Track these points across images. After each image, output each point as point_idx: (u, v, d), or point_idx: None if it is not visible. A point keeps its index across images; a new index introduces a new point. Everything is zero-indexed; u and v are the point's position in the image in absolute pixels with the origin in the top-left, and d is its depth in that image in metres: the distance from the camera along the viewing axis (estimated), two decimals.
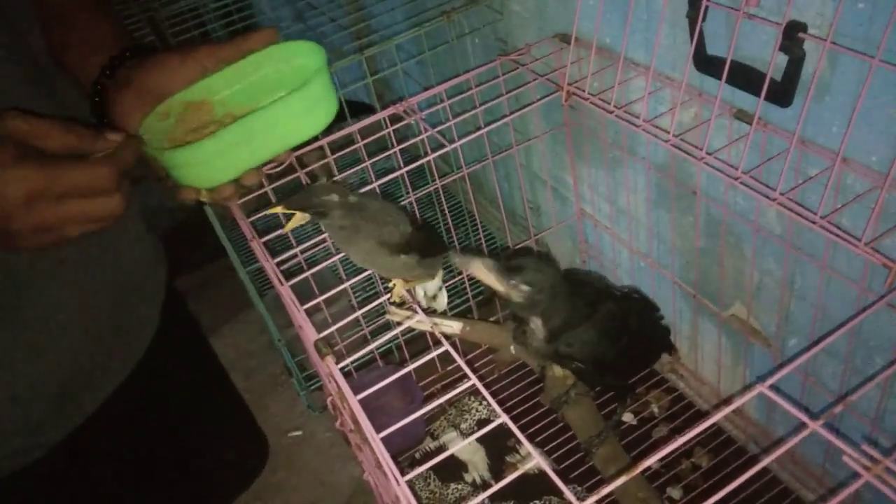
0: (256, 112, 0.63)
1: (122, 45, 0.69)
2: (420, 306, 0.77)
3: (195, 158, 0.63)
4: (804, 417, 0.53)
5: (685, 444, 0.56)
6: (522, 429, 1.18)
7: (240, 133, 0.63)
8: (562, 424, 1.12)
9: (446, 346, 0.65)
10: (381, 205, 0.80)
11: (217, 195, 0.67)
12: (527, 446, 0.57)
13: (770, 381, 0.56)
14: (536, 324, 0.84)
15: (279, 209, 0.70)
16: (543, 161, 1.26)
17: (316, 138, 0.84)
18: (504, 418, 0.59)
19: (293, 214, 0.73)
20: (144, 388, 0.86)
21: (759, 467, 0.52)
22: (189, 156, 0.63)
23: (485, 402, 1.21)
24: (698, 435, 0.57)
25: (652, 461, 0.56)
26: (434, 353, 0.67)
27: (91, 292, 0.76)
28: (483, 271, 0.77)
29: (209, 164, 0.64)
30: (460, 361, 0.63)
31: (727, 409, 0.57)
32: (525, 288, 0.79)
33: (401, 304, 0.95)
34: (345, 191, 0.77)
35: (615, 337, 0.87)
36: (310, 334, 0.69)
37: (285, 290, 0.76)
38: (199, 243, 2.18)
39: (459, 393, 0.63)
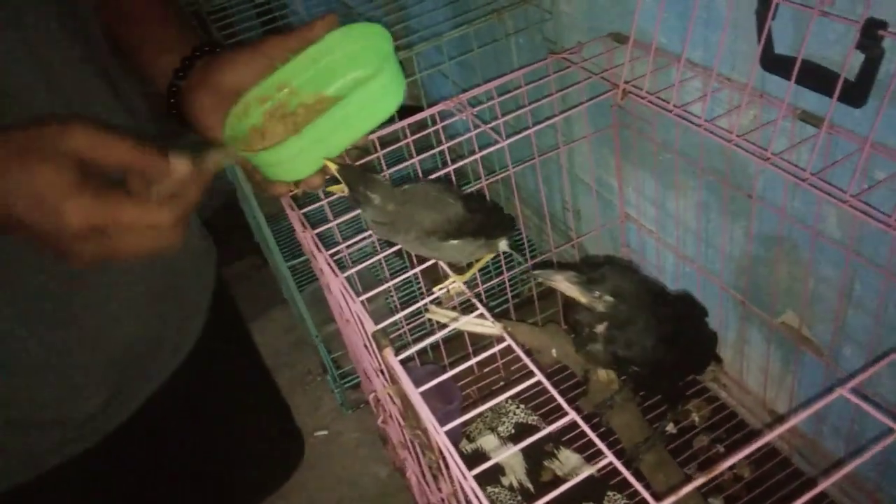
0: (337, 105, 0.65)
1: (191, 44, 0.70)
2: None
3: (283, 156, 0.65)
4: (891, 422, 0.51)
5: (741, 456, 0.54)
6: (561, 433, 1.17)
7: (324, 127, 0.65)
8: (603, 430, 1.10)
9: (509, 341, 0.64)
10: (430, 191, 0.79)
11: (306, 186, 0.70)
12: (605, 452, 0.55)
13: (852, 384, 0.54)
14: (600, 329, 0.83)
15: (333, 167, 0.70)
16: (589, 163, 1.25)
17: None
18: (573, 415, 0.58)
19: (335, 182, 0.74)
20: (193, 379, 0.85)
21: (818, 490, 0.50)
22: (277, 155, 0.65)
23: (522, 406, 1.19)
24: (758, 449, 0.55)
25: (720, 470, 0.54)
26: (497, 349, 0.65)
27: (143, 282, 0.76)
28: (566, 285, 0.78)
29: (297, 160, 0.66)
30: (525, 359, 0.62)
31: (806, 412, 0.54)
32: (609, 299, 0.80)
33: (440, 303, 0.94)
34: (391, 194, 0.76)
35: (672, 341, 0.85)
36: (367, 325, 0.68)
37: (339, 281, 0.75)
38: (223, 242, 2.19)
39: (521, 391, 0.62)
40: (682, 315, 0.90)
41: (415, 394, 0.60)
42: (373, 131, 0.70)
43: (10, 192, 0.49)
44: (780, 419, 1.08)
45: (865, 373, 0.55)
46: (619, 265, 0.84)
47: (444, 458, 0.61)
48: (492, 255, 0.90)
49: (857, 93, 0.69)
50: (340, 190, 0.75)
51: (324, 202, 0.91)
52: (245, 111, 0.70)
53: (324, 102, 0.73)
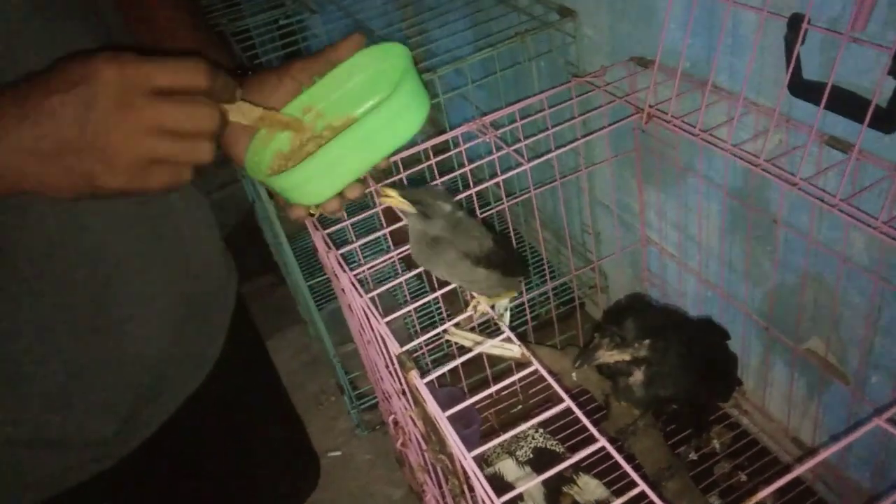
0: (350, 128, 0.63)
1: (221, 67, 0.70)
2: (495, 322, 0.76)
3: (298, 180, 0.64)
4: None
5: (771, 489, 0.53)
6: (581, 458, 1.16)
7: (337, 151, 0.63)
8: (623, 455, 1.09)
9: (536, 366, 0.63)
10: (470, 221, 0.80)
11: (324, 210, 0.68)
12: (637, 481, 0.54)
13: (889, 414, 0.53)
14: (638, 375, 0.82)
15: (392, 194, 0.69)
16: (612, 186, 1.25)
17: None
18: (604, 442, 0.57)
19: (393, 198, 0.73)
20: (211, 399, 0.85)
21: None
22: (292, 179, 0.63)
23: (541, 430, 1.18)
24: (789, 489, 0.54)
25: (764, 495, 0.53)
26: (519, 375, 0.65)
27: (167, 299, 0.76)
28: (611, 356, 0.78)
29: (312, 184, 0.64)
30: (554, 384, 0.61)
31: (840, 444, 0.53)
32: (646, 342, 0.81)
33: (458, 326, 0.94)
34: (457, 203, 0.76)
35: (702, 372, 0.84)
36: (392, 347, 0.68)
37: (365, 301, 0.74)
38: (238, 261, 2.20)
39: (548, 417, 0.61)
40: (707, 343, 0.89)
41: (442, 419, 0.60)
42: (395, 152, 0.69)
43: (70, 124, 0.49)
44: (807, 450, 1.06)
45: None
46: (640, 305, 0.84)
47: (469, 484, 0.60)
48: (509, 298, 0.90)
49: (888, 119, 0.69)
50: (406, 208, 0.74)
51: (346, 223, 0.91)
52: (270, 136, 0.70)
53: (352, 124, 0.70)
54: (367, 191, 0.73)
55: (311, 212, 0.71)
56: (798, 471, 0.57)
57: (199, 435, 0.87)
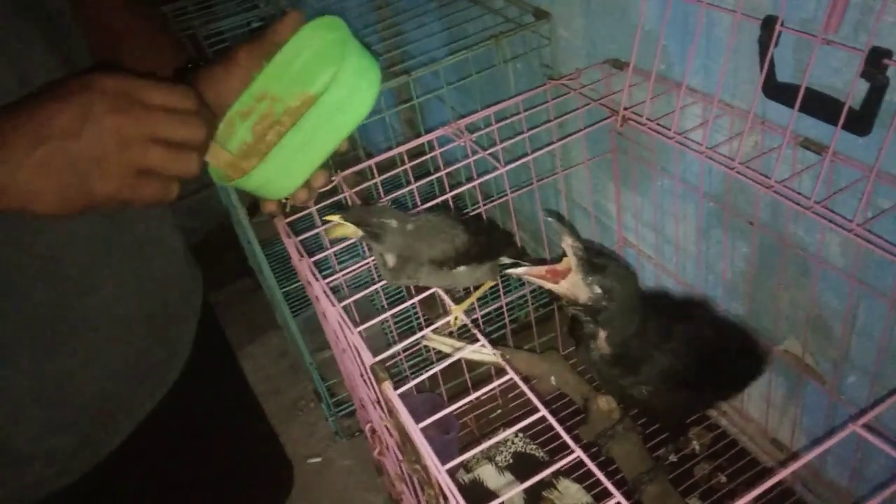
0: (305, 114, 0.62)
1: (172, 66, 0.70)
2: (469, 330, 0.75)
3: (262, 179, 0.63)
4: None
5: (753, 495, 0.53)
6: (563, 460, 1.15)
7: (296, 141, 0.63)
8: (602, 459, 1.08)
9: (512, 375, 0.62)
10: (436, 221, 0.79)
11: (293, 201, 0.69)
12: (614, 493, 0.53)
13: (864, 420, 0.53)
14: (601, 337, 0.80)
15: (336, 218, 0.68)
16: (588, 188, 1.24)
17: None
18: (579, 453, 0.56)
19: (339, 224, 0.73)
20: (178, 410, 0.83)
21: None
22: (256, 178, 0.63)
23: (521, 435, 1.17)
24: (760, 480, 0.54)
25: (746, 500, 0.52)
26: (497, 383, 0.64)
27: (130, 308, 0.74)
28: (569, 249, 0.73)
29: (276, 181, 0.64)
30: (529, 394, 0.60)
31: (819, 449, 0.53)
32: (597, 290, 0.75)
33: (436, 331, 0.93)
34: (404, 217, 0.75)
35: (687, 366, 0.82)
36: (365, 357, 0.67)
37: (337, 311, 0.73)
38: (216, 265, 2.17)
39: (525, 426, 0.60)
40: (700, 336, 0.86)
41: (416, 430, 0.58)
42: (372, 158, 0.68)
43: (66, 128, 0.51)
44: (786, 450, 1.06)
45: (878, 408, 0.54)
46: (626, 267, 0.80)
47: (444, 496, 0.59)
48: (493, 283, 0.90)
49: (861, 121, 0.68)
50: (352, 233, 0.74)
51: (320, 229, 0.90)
52: (230, 130, 0.69)
53: (310, 102, 0.69)
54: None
55: (283, 203, 0.72)
56: (779, 476, 0.56)
57: (167, 445, 0.85)
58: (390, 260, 0.77)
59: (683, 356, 0.82)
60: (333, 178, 0.84)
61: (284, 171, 0.64)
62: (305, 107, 0.69)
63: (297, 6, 1.53)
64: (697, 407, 0.95)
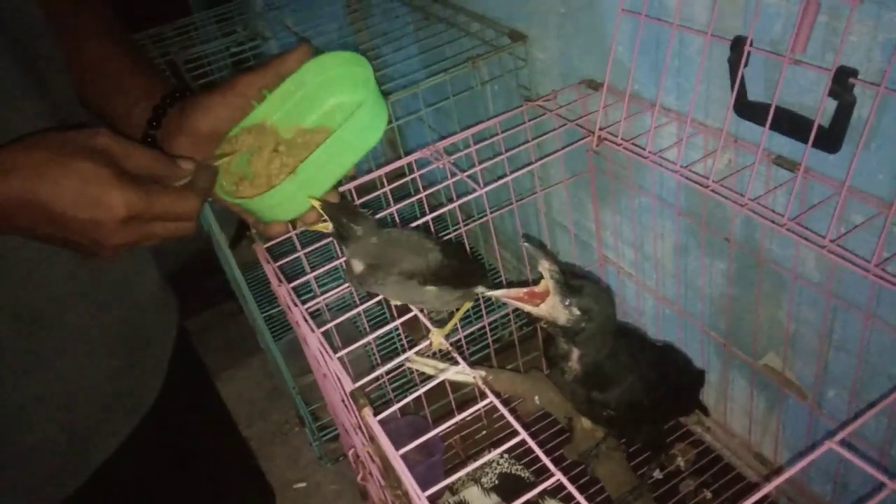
0: (326, 143, 0.65)
1: (161, 92, 0.69)
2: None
3: (277, 199, 0.66)
4: (883, 477, 0.50)
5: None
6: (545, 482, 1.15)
7: (314, 165, 0.65)
8: (587, 479, 1.08)
9: (491, 398, 0.62)
10: (410, 236, 0.79)
11: (303, 223, 0.72)
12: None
13: (841, 436, 0.53)
14: (574, 358, 0.80)
15: (316, 203, 0.69)
16: (567, 207, 1.25)
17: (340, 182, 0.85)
18: (560, 476, 0.56)
19: (315, 211, 0.73)
20: (152, 438, 0.82)
21: None
22: (271, 198, 0.65)
23: (506, 455, 1.17)
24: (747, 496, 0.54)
25: None
26: (480, 406, 0.63)
27: (103, 331, 0.73)
28: (546, 272, 0.74)
29: (291, 200, 0.67)
30: (509, 417, 0.60)
31: (799, 465, 0.53)
32: (576, 312, 0.75)
33: (420, 353, 0.92)
34: (375, 229, 0.75)
35: (653, 387, 0.84)
36: (345, 383, 0.66)
37: (316, 337, 0.73)
38: (199, 288, 2.16)
39: (506, 449, 0.60)
40: (663, 360, 0.88)
41: (396, 458, 0.58)
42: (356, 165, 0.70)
43: (56, 187, 0.53)
44: (770, 465, 1.06)
45: (854, 424, 0.55)
46: (603, 289, 0.82)
47: None
48: (470, 304, 0.89)
49: (831, 138, 0.70)
50: (325, 227, 0.75)
51: (300, 253, 0.90)
52: (229, 152, 0.69)
53: (303, 135, 0.72)
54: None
55: (290, 229, 0.75)
56: (762, 491, 0.56)
57: (143, 472, 0.84)
58: (357, 266, 0.77)
59: (648, 379, 0.83)
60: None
61: (300, 191, 0.67)
62: (301, 137, 0.72)
63: (275, 30, 1.54)
64: (659, 425, 0.96)
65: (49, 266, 0.66)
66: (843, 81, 0.65)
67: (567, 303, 0.74)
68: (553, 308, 0.75)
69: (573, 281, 0.75)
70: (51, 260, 0.66)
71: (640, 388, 0.83)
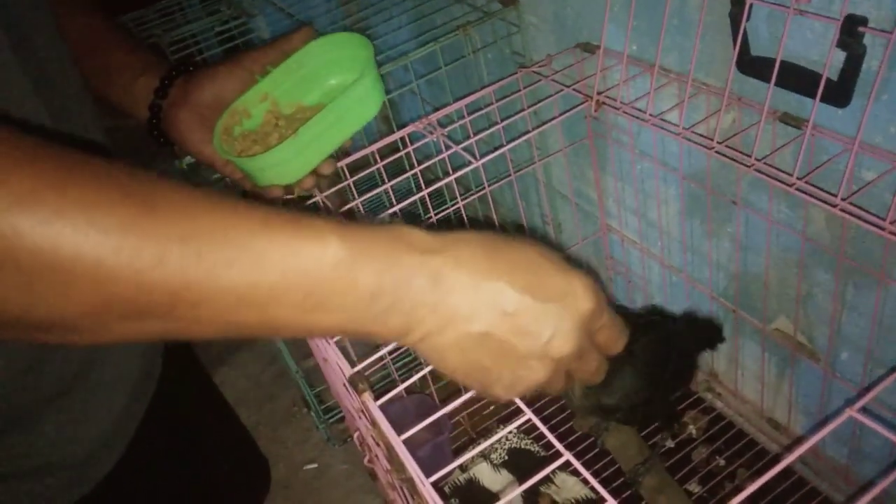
0: (327, 108, 0.67)
1: (164, 66, 0.71)
2: None
3: (280, 159, 0.68)
4: None
5: (760, 484, 0.51)
6: (554, 456, 1.13)
7: (315, 129, 0.68)
8: (597, 451, 1.07)
9: None
10: None
11: (301, 188, 0.73)
12: (606, 498, 0.51)
13: (861, 404, 0.51)
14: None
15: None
16: (567, 176, 1.22)
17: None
18: (569, 456, 0.54)
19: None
20: (153, 428, 0.81)
21: None
22: (273, 159, 0.67)
23: (514, 431, 1.15)
24: (758, 458, 0.52)
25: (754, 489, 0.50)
26: None
27: (129, 361, 0.72)
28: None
29: (290, 163, 0.69)
30: (518, 401, 0.58)
31: (820, 434, 0.51)
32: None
33: None
34: None
35: (654, 375, 0.81)
36: (344, 369, 0.64)
37: None
38: None
39: (512, 430, 0.58)
40: (656, 340, 0.85)
41: (398, 444, 0.56)
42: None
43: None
44: (781, 430, 1.05)
45: (874, 391, 0.52)
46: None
47: None
48: None
49: (840, 92, 0.66)
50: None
51: None
52: (231, 122, 0.72)
53: (303, 112, 0.75)
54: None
55: (289, 193, 0.74)
56: (785, 462, 0.54)
57: (145, 462, 0.83)
58: None
59: (649, 367, 0.82)
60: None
61: (300, 155, 0.69)
62: (301, 114, 0.75)
63: (260, 6, 1.50)
64: (669, 400, 0.95)
65: None
66: (851, 31, 0.62)
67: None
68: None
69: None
70: None
71: (642, 380, 0.81)
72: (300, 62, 0.73)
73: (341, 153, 0.79)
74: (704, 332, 1.01)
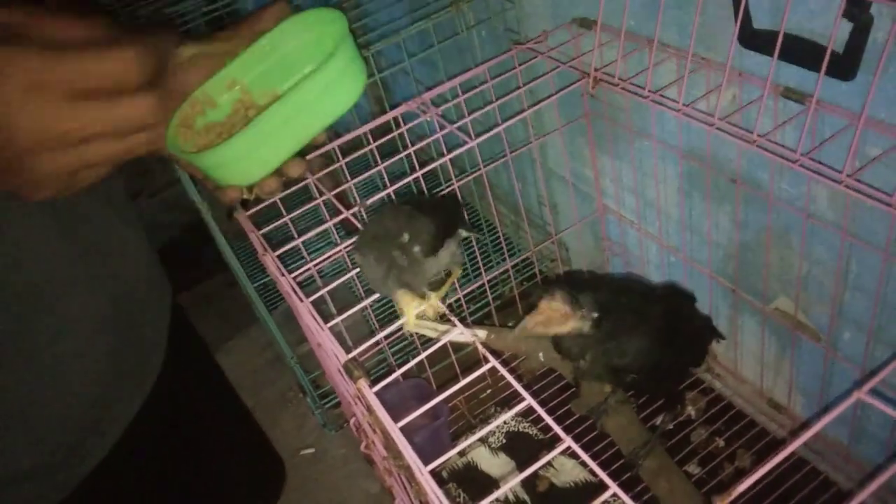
0: (285, 96, 0.56)
1: None
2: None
3: (229, 156, 0.57)
4: None
5: (766, 469, 0.50)
6: (553, 439, 1.13)
7: (272, 121, 0.57)
8: (596, 433, 1.06)
9: (493, 363, 0.59)
10: (387, 223, 0.77)
11: (260, 190, 0.61)
12: (610, 485, 0.50)
13: (869, 386, 0.50)
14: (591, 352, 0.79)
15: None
16: (564, 155, 1.20)
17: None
18: (570, 442, 0.52)
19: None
20: (157, 418, 0.80)
21: None
22: (222, 155, 0.56)
23: (513, 415, 1.14)
24: (758, 439, 0.50)
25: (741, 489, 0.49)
26: (483, 369, 0.60)
27: (91, 324, 0.70)
28: (556, 299, 0.76)
29: (245, 160, 0.58)
30: (514, 382, 0.57)
31: (828, 418, 0.50)
32: (594, 315, 0.77)
33: (419, 316, 0.90)
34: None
35: (666, 341, 0.81)
36: (339, 355, 0.63)
37: (306, 307, 0.69)
38: (195, 259, 2.13)
39: (513, 414, 0.57)
40: (671, 310, 0.85)
41: (395, 431, 0.55)
42: (332, 126, 0.61)
43: None
44: (782, 410, 1.04)
45: (883, 372, 0.51)
46: (599, 277, 0.81)
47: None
48: (460, 271, 0.87)
49: (846, 65, 0.64)
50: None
51: (286, 219, 0.85)
52: (195, 110, 0.61)
53: (286, 94, 0.63)
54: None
55: (246, 195, 0.63)
56: (791, 447, 0.53)
57: (151, 453, 0.82)
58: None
59: (661, 333, 0.81)
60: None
61: (251, 154, 0.58)
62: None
63: None
64: (677, 378, 0.94)
65: (36, 250, 0.62)
66: (858, 1, 0.60)
67: (584, 313, 0.76)
68: (578, 321, 0.77)
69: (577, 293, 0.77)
70: (38, 243, 0.63)
71: (655, 344, 0.80)
72: (273, 44, 0.63)
73: (312, 148, 0.70)
74: (707, 322, 1.01)
